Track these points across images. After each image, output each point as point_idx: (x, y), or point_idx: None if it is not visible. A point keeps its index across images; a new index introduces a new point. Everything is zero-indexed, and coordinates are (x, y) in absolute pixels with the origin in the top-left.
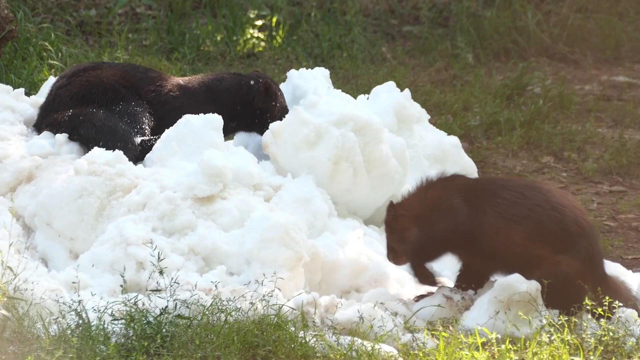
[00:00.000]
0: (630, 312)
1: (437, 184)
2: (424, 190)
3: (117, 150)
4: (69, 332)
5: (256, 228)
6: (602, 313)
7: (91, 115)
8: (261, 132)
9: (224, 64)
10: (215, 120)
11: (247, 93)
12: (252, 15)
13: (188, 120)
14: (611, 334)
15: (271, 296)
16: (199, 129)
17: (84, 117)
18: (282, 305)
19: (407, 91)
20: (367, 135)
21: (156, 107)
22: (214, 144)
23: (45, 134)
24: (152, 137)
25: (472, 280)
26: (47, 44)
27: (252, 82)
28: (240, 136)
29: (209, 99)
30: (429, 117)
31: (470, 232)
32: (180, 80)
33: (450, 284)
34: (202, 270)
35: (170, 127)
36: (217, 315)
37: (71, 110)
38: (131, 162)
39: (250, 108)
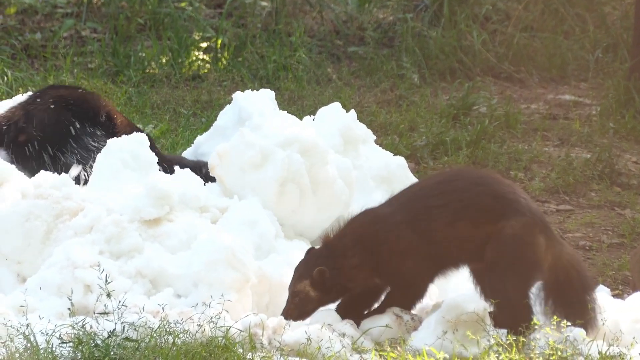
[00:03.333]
0: (579, 331)
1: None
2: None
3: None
4: (17, 355)
5: (203, 250)
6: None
7: None
8: None
9: (170, 86)
10: (144, 139)
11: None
12: (197, 38)
13: (116, 143)
14: (559, 352)
15: (219, 318)
16: (136, 151)
17: None
18: (230, 327)
19: (352, 112)
20: (313, 157)
21: None
22: (150, 162)
23: None
24: None
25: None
26: None
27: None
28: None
29: None
30: (374, 137)
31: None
32: None
33: None
34: (149, 293)
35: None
36: (165, 337)
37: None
38: (78, 186)
39: None
